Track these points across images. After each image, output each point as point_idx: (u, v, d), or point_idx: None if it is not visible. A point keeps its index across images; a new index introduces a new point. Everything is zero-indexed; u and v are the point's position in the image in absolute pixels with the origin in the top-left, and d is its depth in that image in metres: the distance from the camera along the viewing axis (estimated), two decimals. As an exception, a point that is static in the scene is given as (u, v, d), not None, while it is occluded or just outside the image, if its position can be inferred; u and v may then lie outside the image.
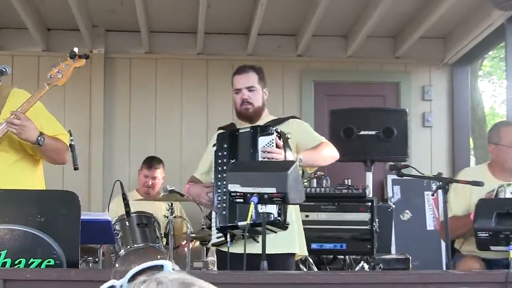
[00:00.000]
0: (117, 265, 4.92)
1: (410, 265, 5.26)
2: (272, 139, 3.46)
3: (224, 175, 3.44)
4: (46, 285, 2.66)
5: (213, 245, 3.72)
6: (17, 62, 6.34)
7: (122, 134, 6.59)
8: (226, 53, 6.69)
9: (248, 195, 2.97)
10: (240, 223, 3.34)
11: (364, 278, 3.04)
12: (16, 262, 2.75)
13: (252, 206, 2.95)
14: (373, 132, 5.55)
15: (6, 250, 2.76)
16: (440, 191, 3.77)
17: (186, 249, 5.09)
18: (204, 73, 6.70)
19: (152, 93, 6.64)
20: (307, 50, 6.66)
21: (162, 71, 6.70)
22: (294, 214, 3.60)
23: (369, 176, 5.53)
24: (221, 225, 3.48)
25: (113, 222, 4.49)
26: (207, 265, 5.13)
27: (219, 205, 3.50)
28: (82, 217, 2.88)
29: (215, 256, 3.94)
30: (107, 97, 6.55)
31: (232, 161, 3.49)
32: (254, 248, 3.21)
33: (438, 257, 5.93)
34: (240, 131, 3.61)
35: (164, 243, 5.10)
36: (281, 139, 3.48)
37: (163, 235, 5.14)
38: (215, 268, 4.37)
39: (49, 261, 2.77)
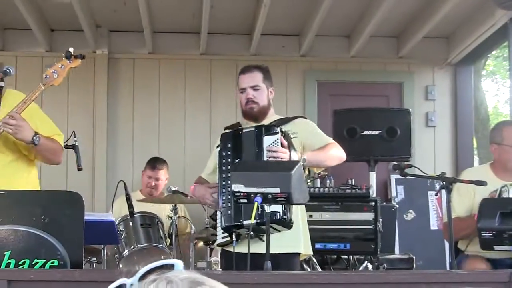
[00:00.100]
0: (121, 266, 4.92)
1: (414, 265, 5.26)
2: (277, 139, 3.46)
3: (229, 174, 3.44)
4: (50, 286, 2.66)
5: (218, 245, 3.69)
6: (21, 63, 6.35)
7: (126, 134, 6.59)
8: (230, 53, 6.68)
9: (252, 195, 2.97)
10: (245, 222, 3.33)
11: (368, 278, 3.04)
12: (20, 263, 2.75)
13: (256, 206, 2.95)
14: (377, 132, 5.55)
15: (10, 251, 2.76)
16: (443, 190, 3.77)
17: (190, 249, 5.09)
18: (208, 73, 6.70)
19: (156, 94, 6.64)
20: (310, 50, 6.66)
21: (165, 71, 6.70)
22: (300, 214, 3.60)
23: (373, 176, 5.53)
24: (226, 224, 3.47)
25: (116, 223, 4.50)
26: (211, 265, 5.13)
27: (224, 205, 3.49)
28: (85, 217, 2.88)
29: (219, 256, 3.93)
30: (111, 98, 6.55)
31: (236, 161, 3.49)
32: (260, 247, 3.19)
33: (442, 257, 5.92)
34: (244, 130, 3.60)
35: (168, 243, 5.10)
36: (286, 139, 3.48)
37: (166, 236, 5.14)
38: (219, 268, 4.37)
39: (53, 262, 2.77)
